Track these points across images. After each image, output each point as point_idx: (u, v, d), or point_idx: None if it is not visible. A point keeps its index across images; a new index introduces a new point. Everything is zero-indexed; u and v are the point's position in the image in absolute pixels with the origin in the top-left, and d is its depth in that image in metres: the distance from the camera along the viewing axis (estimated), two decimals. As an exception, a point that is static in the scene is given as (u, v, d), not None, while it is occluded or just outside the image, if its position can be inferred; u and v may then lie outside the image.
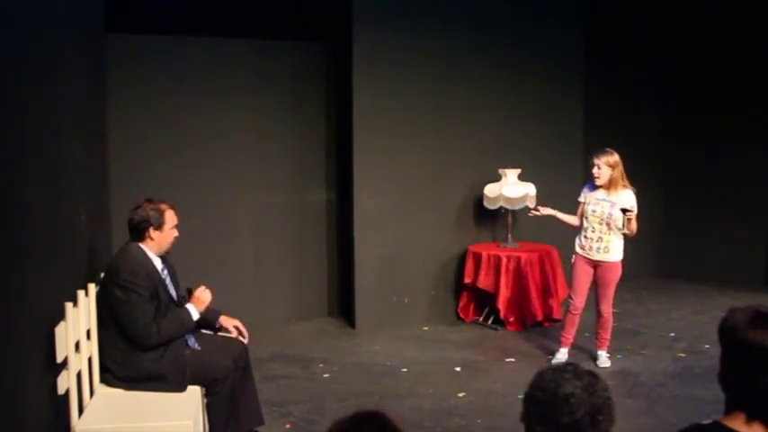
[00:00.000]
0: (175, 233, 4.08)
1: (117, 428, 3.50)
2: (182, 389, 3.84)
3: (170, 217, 4.04)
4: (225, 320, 4.32)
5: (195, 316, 3.99)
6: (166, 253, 4.10)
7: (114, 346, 3.86)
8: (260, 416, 4.27)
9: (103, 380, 3.91)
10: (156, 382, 3.83)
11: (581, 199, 5.72)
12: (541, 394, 1.81)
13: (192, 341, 4.10)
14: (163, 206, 4.04)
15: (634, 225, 5.50)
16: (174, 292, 4.11)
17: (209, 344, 4.15)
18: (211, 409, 4.01)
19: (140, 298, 3.80)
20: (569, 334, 5.81)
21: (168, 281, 4.09)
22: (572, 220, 5.78)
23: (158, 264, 4.02)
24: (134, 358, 3.84)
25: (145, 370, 3.83)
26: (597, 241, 5.56)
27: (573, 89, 7.75)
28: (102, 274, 4.05)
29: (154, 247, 4.00)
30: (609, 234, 5.53)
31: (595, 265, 5.61)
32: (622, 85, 8.55)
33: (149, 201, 4.06)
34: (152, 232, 3.98)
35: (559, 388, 1.79)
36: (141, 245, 3.98)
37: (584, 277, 5.67)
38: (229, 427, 4.05)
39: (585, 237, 5.61)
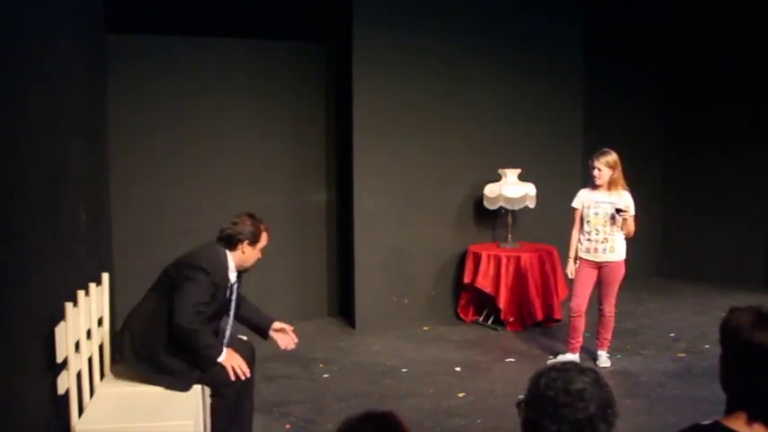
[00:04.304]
0: (260, 255, 4.12)
1: (117, 428, 3.50)
2: (186, 388, 3.84)
3: (264, 238, 4.08)
4: (276, 332, 4.32)
5: (218, 358, 3.88)
6: (245, 271, 4.14)
7: (150, 321, 3.88)
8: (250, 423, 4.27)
9: (120, 355, 3.93)
10: (164, 376, 3.84)
11: (576, 205, 5.70)
12: (552, 393, 1.80)
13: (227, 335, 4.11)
14: (262, 226, 4.07)
15: (631, 225, 5.51)
16: (232, 312, 4.11)
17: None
18: (217, 410, 4.00)
19: (202, 289, 3.81)
20: (576, 341, 5.79)
21: (233, 297, 4.10)
22: (575, 240, 5.73)
23: (233, 277, 4.05)
24: (157, 341, 3.84)
25: (158, 358, 3.84)
26: (603, 242, 5.55)
27: (573, 89, 7.75)
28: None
29: (238, 260, 4.04)
30: (613, 234, 5.53)
31: (600, 266, 5.61)
32: (622, 85, 8.54)
33: (251, 216, 4.07)
34: (245, 246, 4.01)
35: (570, 384, 1.80)
36: (229, 253, 4.01)
37: (586, 280, 5.66)
38: (233, 430, 4.04)
39: (590, 240, 5.60)
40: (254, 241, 4.02)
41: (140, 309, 4.00)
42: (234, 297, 4.11)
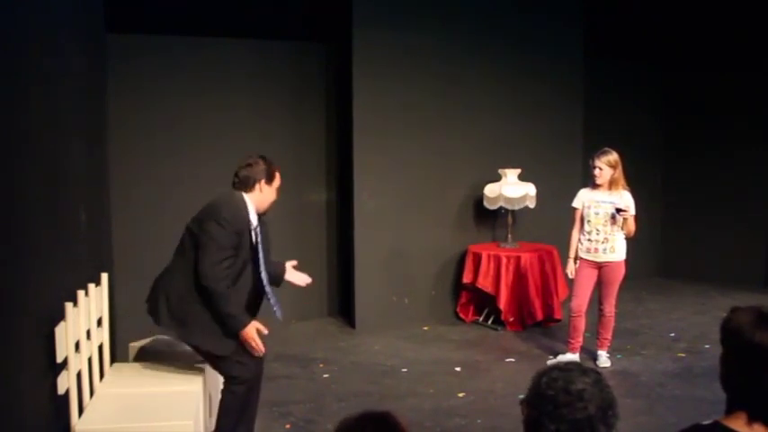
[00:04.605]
0: (276, 196, 4.14)
1: (117, 428, 3.50)
2: (225, 351, 3.88)
3: (278, 177, 4.12)
4: (290, 274, 4.34)
5: (239, 328, 3.87)
6: (263, 213, 4.13)
7: (182, 281, 3.90)
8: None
9: (156, 320, 3.96)
10: (204, 335, 3.86)
11: (576, 205, 5.70)
12: (552, 392, 1.80)
13: (277, 308, 4.13)
14: (274, 166, 4.11)
15: (632, 226, 5.51)
16: (261, 255, 4.08)
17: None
18: (225, 407, 4.01)
19: (227, 240, 3.82)
20: (576, 340, 5.78)
21: (260, 240, 4.08)
22: (575, 240, 5.73)
23: (254, 220, 4.04)
24: (192, 300, 3.86)
25: (195, 317, 3.86)
26: (603, 242, 5.55)
27: (573, 89, 7.75)
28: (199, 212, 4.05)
29: (257, 201, 4.04)
30: (614, 234, 5.53)
31: (600, 266, 5.60)
32: (622, 85, 8.54)
33: (262, 157, 4.09)
34: (263, 185, 4.02)
35: (571, 384, 1.80)
36: (246, 196, 4.01)
37: (586, 281, 5.66)
38: (239, 429, 4.05)
39: (590, 240, 5.60)
40: (270, 179, 4.04)
41: (170, 271, 4.02)
42: (260, 241, 4.08)
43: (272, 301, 4.10)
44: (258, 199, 4.04)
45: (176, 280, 3.96)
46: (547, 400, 1.81)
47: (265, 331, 3.92)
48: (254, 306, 4.07)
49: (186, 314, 3.89)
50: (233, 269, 3.87)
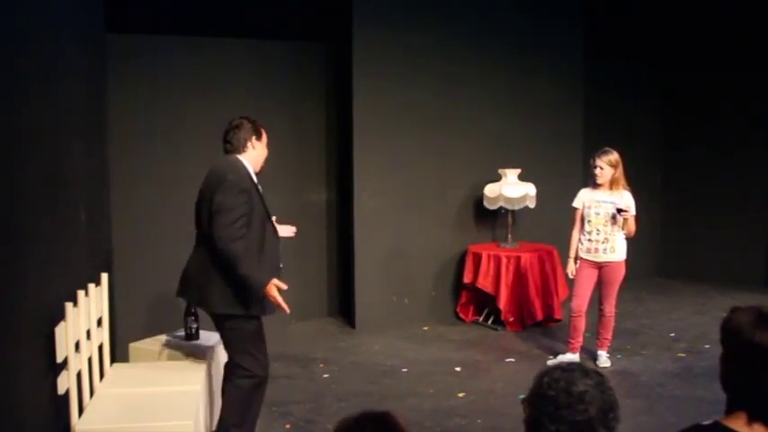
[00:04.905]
0: (268, 151, 4.23)
1: (117, 428, 3.50)
2: (265, 312, 3.97)
3: (264, 133, 4.21)
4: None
5: (259, 287, 3.89)
6: (258, 173, 4.18)
7: (204, 251, 3.94)
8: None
9: (207, 308, 4.02)
10: (223, 298, 3.89)
11: (577, 205, 5.70)
12: (553, 393, 1.81)
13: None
14: (259, 123, 4.20)
15: (632, 226, 5.51)
16: (268, 210, 4.12)
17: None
18: (229, 400, 4.02)
19: (235, 200, 3.85)
20: (576, 340, 5.78)
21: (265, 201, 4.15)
22: (576, 240, 5.73)
23: (254, 177, 4.10)
24: (211, 265, 3.90)
25: (215, 279, 3.89)
26: (603, 242, 5.55)
27: (573, 89, 7.75)
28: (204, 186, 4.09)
29: (252, 159, 4.12)
30: (614, 234, 5.53)
31: (600, 266, 5.60)
32: (622, 85, 8.54)
33: (246, 118, 4.18)
34: (253, 142, 4.11)
35: (572, 386, 1.80)
36: (241, 157, 4.08)
37: (586, 281, 5.66)
38: (243, 428, 4.05)
39: (590, 240, 5.60)
40: (258, 135, 4.15)
41: (196, 257, 4.05)
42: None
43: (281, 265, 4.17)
44: (253, 156, 4.12)
45: (198, 253, 4.03)
46: (548, 401, 1.81)
47: (284, 287, 3.93)
48: (276, 272, 4.08)
49: (206, 279, 3.94)
50: (254, 232, 3.91)
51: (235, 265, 3.80)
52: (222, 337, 4.10)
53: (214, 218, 3.83)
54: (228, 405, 4.01)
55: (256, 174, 4.14)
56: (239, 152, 4.08)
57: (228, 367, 4.07)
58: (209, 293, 3.94)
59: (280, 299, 3.90)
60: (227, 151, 4.12)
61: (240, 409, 4.00)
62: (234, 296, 3.89)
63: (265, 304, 3.96)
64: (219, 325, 4.04)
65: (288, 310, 3.96)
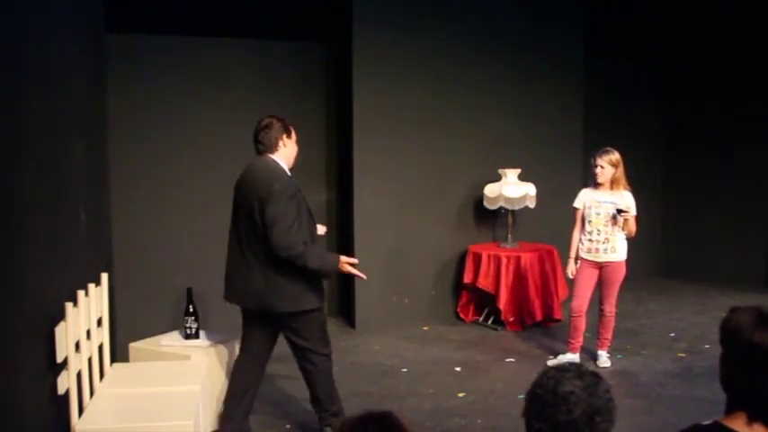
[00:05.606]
0: (298, 147, 4.31)
1: (117, 428, 3.50)
2: (318, 303, 4.19)
3: (293, 129, 4.27)
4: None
5: (334, 265, 4.14)
6: (291, 169, 4.23)
7: (270, 261, 4.01)
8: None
9: (275, 308, 4.09)
10: (296, 296, 4.05)
11: (577, 205, 5.70)
12: (541, 391, 1.82)
13: None
14: (286, 120, 4.26)
15: (632, 226, 5.50)
16: (309, 208, 4.22)
17: None
18: (321, 385, 4.24)
19: (286, 207, 3.95)
20: (576, 340, 5.77)
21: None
22: (576, 240, 5.73)
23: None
24: (276, 271, 4.01)
25: (283, 284, 4.03)
26: (604, 242, 5.55)
27: (573, 89, 7.75)
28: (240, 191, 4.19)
29: (285, 157, 4.20)
30: (614, 234, 5.52)
31: (601, 266, 5.60)
32: (622, 85, 8.54)
33: (274, 117, 4.24)
34: (285, 140, 4.19)
35: (559, 386, 1.80)
36: (274, 156, 4.16)
37: (586, 281, 5.65)
38: (333, 392, 4.31)
39: (591, 240, 5.59)
40: (288, 133, 4.22)
41: (245, 260, 4.11)
42: None
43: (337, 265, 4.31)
44: (285, 154, 4.20)
45: (246, 255, 4.10)
46: (536, 399, 1.82)
47: (355, 261, 4.24)
48: None
49: (267, 282, 4.04)
50: (304, 227, 4.03)
51: (305, 265, 3.98)
52: (292, 333, 4.20)
53: (270, 229, 3.93)
54: (322, 390, 4.26)
55: (291, 169, 4.23)
56: (271, 151, 4.16)
57: (306, 358, 4.23)
58: (277, 295, 4.06)
59: (354, 270, 4.17)
60: (259, 151, 4.19)
61: (333, 390, 4.28)
62: (304, 292, 4.08)
63: (323, 292, 4.20)
64: (291, 323, 4.16)
65: (365, 277, 4.32)
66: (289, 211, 3.95)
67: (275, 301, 4.08)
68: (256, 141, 4.20)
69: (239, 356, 4.37)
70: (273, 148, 4.16)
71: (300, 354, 4.24)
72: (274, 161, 4.14)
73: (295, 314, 4.12)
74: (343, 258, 4.15)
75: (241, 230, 4.15)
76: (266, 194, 3.96)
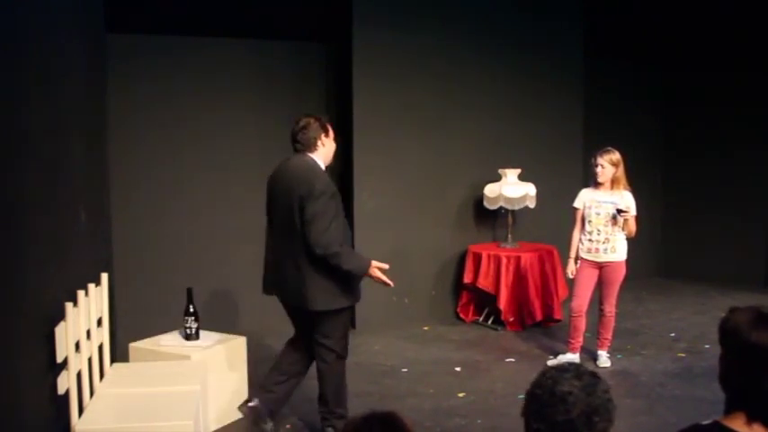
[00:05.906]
0: (336, 144, 4.34)
1: (117, 428, 3.50)
2: (358, 299, 4.28)
3: (330, 127, 4.29)
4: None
5: (367, 269, 4.14)
6: (327, 166, 4.28)
7: (305, 260, 4.05)
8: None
9: (310, 305, 4.11)
10: (329, 296, 4.08)
11: (577, 205, 5.69)
12: (539, 391, 1.82)
13: None
14: (323, 118, 4.29)
15: (632, 226, 5.50)
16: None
17: None
18: (333, 385, 4.27)
19: (326, 206, 3.99)
20: (576, 340, 5.77)
21: None
22: (576, 240, 5.73)
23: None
24: (312, 269, 4.04)
25: (318, 282, 4.06)
26: (604, 242, 5.55)
27: (573, 89, 7.75)
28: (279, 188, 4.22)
29: (323, 156, 4.23)
30: (615, 234, 5.52)
31: (601, 266, 5.60)
32: (622, 85, 8.54)
33: (312, 116, 4.27)
34: (323, 139, 4.21)
35: (557, 386, 1.80)
36: (314, 156, 4.19)
37: (586, 281, 5.65)
38: (341, 392, 4.34)
39: (591, 240, 5.59)
40: (327, 132, 4.24)
41: (282, 256, 4.16)
42: None
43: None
44: (324, 153, 4.23)
45: (283, 251, 4.15)
46: (534, 399, 1.83)
47: (386, 266, 4.19)
48: None
49: (303, 278, 4.07)
50: (340, 226, 4.07)
51: (339, 265, 4.01)
52: (320, 330, 4.22)
53: (308, 227, 3.98)
54: (331, 390, 4.28)
55: (327, 166, 4.28)
56: (310, 151, 4.20)
57: (321, 355, 4.26)
58: (312, 292, 4.09)
59: (384, 277, 4.16)
60: (297, 150, 4.22)
61: (342, 393, 4.30)
62: (336, 291, 4.10)
63: (357, 292, 4.24)
64: (321, 320, 4.19)
65: (392, 284, 4.23)
66: (328, 210, 3.99)
67: (308, 297, 4.11)
68: (295, 141, 4.23)
69: (293, 338, 4.50)
70: (312, 147, 4.20)
71: (317, 349, 4.27)
72: (313, 160, 4.18)
73: (326, 313, 4.15)
74: (375, 263, 4.15)
75: (276, 225, 4.22)
76: (308, 193, 4.00)
